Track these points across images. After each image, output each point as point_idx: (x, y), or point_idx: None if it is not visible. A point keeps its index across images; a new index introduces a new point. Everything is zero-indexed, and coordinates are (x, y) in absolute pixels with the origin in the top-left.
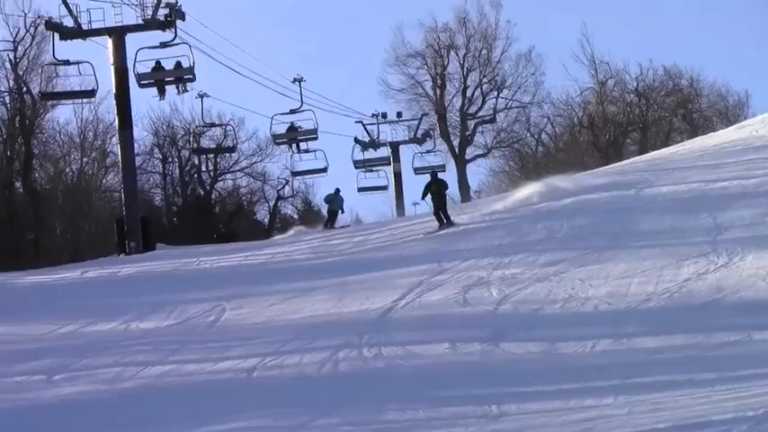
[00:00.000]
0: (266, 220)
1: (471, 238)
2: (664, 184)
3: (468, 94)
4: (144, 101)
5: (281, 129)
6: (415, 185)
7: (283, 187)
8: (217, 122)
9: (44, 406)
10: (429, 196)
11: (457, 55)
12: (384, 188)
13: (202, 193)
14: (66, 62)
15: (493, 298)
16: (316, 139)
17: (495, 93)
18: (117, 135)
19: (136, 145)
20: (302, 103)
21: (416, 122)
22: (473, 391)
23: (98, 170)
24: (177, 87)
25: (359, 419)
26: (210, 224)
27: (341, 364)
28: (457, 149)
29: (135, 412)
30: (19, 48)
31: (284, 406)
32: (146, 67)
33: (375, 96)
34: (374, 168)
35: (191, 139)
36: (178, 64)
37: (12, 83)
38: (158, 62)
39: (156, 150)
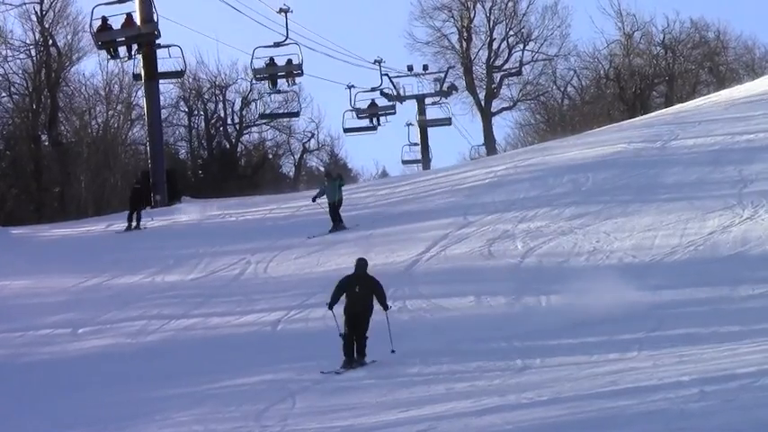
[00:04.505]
0: (291, 173)
1: (496, 191)
2: (689, 137)
3: (495, 46)
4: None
5: (364, 104)
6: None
7: (309, 140)
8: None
9: (69, 359)
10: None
11: (483, 7)
12: (373, 129)
13: (228, 146)
14: None
15: (518, 251)
16: (394, 113)
17: (522, 45)
18: (143, 88)
19: (161, 98)
20: (381, 81)
21: (442, 75)
22: (497, 344)
23: (123, 123)
24: (287, 80)
25: (383, 372)
26: (236, 177)
27: None
28: (483, 102)
29: (159, 365)
30: (44, 0)
31: (309, 359)
32: (261, 63)
33: (401, 49)
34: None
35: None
36: (289, 61)
37: (37, 35)
38: (272, 59)
39: (182, 103)
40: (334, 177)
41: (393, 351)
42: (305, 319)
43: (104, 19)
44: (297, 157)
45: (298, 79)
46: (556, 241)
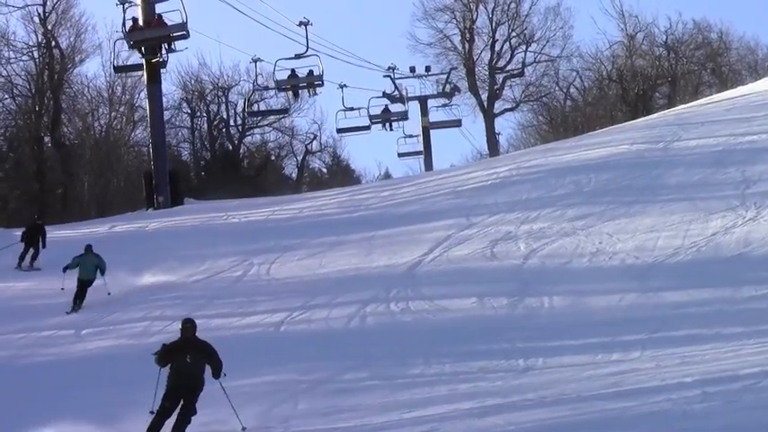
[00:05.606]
0: (294, 175)
1: (499, 193)
2: (692, 138)
3: (497, 47)
4: (172, 55)
5: (378, 110)
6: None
7: (311, 142)
8: None
9: (72, 360)
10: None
11: (485, 8)
12: (366, 128)
13: (230, 147)
14: None
15: (520, 252)
16: (407, 119)
17: (524, 46)
18: (145, 89)
19: (164, 99)
20: (395, 88)
21: (445, 77)
22: (500, 345)
23: (126, 125)
24: (308, 91)
25: (386, 374)
26: (238, 179)
27: (368, 318)
28: (485, 103)
29: None
30: (47, 2)
31: (311, 360)
32: (283, 75)
33: (403, 50)
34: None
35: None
36: (310, 72)
37: (40, 37)
38: (293, 70)
39: (185, 105)
40: (95, 254)
41: (244, 429)
42: (307, 320)
43: (135, 20)
44: (299, 158)
45: (319, 89)
46: (558, 242)
